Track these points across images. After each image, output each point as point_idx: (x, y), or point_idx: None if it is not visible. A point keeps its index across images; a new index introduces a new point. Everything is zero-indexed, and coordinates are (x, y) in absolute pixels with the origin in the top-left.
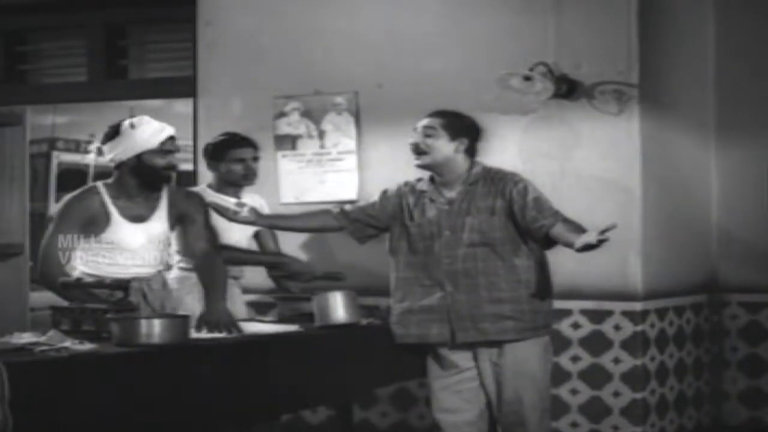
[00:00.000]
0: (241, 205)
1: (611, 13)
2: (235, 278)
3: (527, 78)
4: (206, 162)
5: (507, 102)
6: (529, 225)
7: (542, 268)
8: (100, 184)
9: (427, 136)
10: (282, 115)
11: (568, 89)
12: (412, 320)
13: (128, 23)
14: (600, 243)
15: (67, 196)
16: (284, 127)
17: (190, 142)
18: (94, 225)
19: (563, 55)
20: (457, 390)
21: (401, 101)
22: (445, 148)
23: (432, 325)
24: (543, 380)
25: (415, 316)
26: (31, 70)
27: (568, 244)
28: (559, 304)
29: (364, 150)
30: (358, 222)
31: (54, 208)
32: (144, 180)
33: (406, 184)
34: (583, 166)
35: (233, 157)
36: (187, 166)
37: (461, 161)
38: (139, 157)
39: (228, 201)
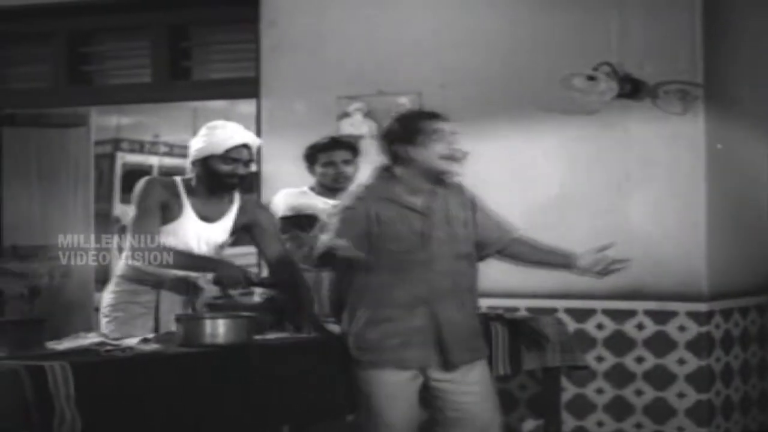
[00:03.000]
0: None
1: (675, 11)
2: None
3: (591, 78)
4: (305, 165)
5: (570, 102)
6: (487, 237)
7: None
8: (178, 178)
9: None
10: (345, 115)
11: (632, 89)
12: (389, 345)
13: (192, 24)
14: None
15: (147, 177)
16: (347, 128)
17: None
18: (167, 210)
19: (627, 54)
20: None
21: (464, 102)
22: None
23: (412, 348)
24: None
25: (394, 339)
26: (96, 72)
27: (554, 264)
28: (623, 305)
29: None
30: None
31: (136, 190)
32: (207, 184)
33: (370, 189)
34: (648, 167)
35: (323, 160)
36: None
37: None
38: (206, 160)
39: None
